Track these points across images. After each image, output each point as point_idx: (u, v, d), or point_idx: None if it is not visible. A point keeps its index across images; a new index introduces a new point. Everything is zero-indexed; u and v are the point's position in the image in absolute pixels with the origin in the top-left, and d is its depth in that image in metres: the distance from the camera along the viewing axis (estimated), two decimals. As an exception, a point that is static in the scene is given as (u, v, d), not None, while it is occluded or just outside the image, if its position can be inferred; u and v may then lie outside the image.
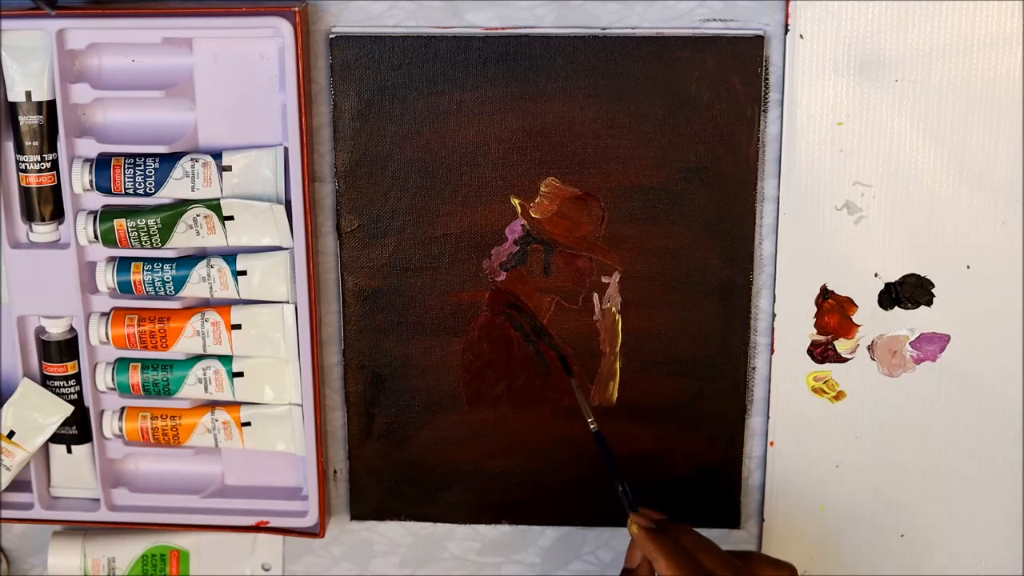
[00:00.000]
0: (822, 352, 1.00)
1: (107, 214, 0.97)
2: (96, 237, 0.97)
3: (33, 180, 0.97)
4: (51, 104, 0.95)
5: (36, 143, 0.96)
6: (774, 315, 0.99)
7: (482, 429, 1.02)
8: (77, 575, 1.06)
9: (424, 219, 0.98)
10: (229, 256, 0.98)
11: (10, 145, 0.97)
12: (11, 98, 0.95)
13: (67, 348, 1.00)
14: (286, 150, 0.96)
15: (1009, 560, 1.03)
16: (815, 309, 0.99)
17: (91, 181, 0.96)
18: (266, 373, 1.00)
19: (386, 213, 0.98)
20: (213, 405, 1.02)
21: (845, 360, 1.00)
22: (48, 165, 0.97)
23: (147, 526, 1.04)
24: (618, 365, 1.00)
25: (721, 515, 1.04)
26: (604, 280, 0.99)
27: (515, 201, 0.98)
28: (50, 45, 0.94)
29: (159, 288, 0.98)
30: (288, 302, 0.98)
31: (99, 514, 1.03)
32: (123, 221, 0.96)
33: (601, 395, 1.01)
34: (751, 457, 1.03)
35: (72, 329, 1.00)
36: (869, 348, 1.00)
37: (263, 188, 0.96)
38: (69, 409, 1.01)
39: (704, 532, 1.05)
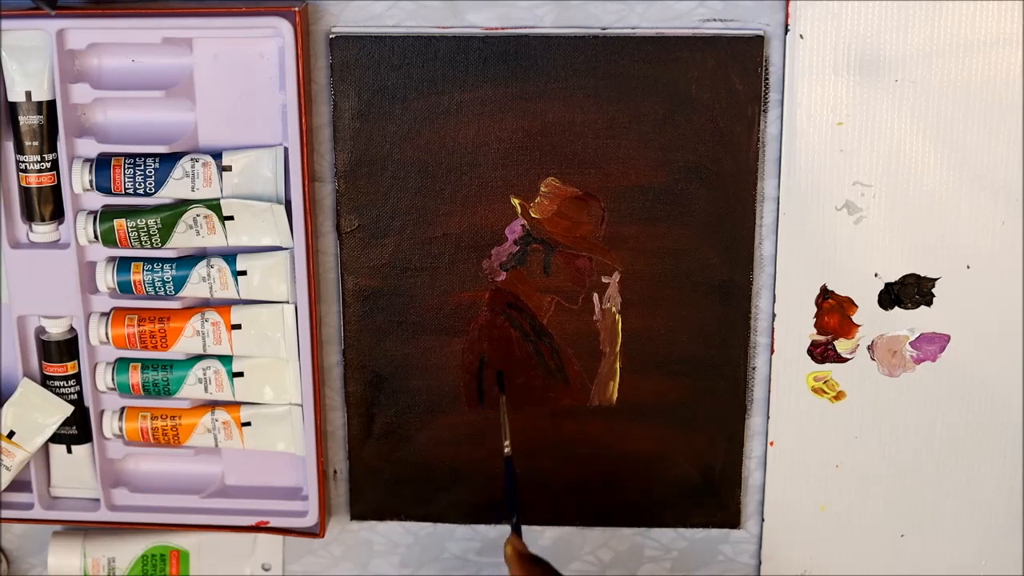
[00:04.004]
0: (822, 352, 1.00)
1: (107, 214, 0.97)
2: (96, 237, 0.97)
3: (33, 180, 0.97)
4: (51, 104, 0.95)
5: (36, 143, 0.96)
6: (774, 315, 0.99)
7: (482, 429, 1.02)
8: (77, 575, 1.06)
9: (424, 219, 0.98)
10: (229, 256, 0.98)
11: (10, 145, 0.97)
12: (11, 98, 0.95)
13: (67, 348, 1.00)
14: (286, 150, 0.96)
15: (1009, 560, 1.03)
16: (815, 309, 0.99)
17: (91, 181, 0.96)
18: (266, 373, 1.00)
19: (386, 213, 0.98)
20: (213, 405, 1.02)
21: (845, 360, 1.00)
22: (48, 165, 0.97)
23: (147, 526, 1.04)
24: (618, 365, 1.00)
25: (721, 515, 1.04)
26: (604, 280, 0.99)
27: (515, 201, 0.98)
28: (50, 45, 0.94)
29: (159, 288, 0.98)
30: (288, 302, 0.98)
31: (99, 514, 1.03)
32: (123, 221, 0.96)
33: (601, 395, 1.01)
34: (751, 457, 1.03)
35: (72, 329, 1.00)
36: (869, 348, 1.00)
37: (263, 188, 0.96)
38: (69, 409, 1.01)
39: (704, 532, 1.05)
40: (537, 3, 0.95)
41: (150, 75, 0.96)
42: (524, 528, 1.06)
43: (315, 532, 1.03)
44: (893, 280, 0.98)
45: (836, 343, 1.00)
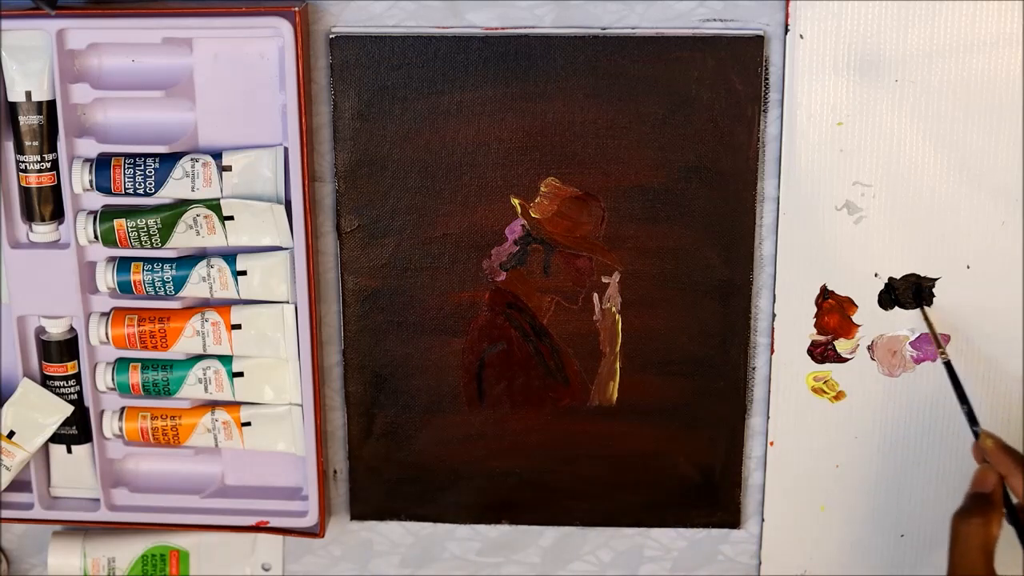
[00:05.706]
0: (822, 352, 1.00)
1: (107, 214, 0.97)
2: (96, 237, 0.97)
3: (33, 180, 0.97)
4: (51, 104, 0.95)
5: (36, 143, 0.96)
6: (774, 315, 0.99)
7: (482, 429, 1.02)
8: (77, 575, 1.06)
9: (424, 219, 0.98)
10: (229, 256, 0.98)
11: (10, 145, 0.97)
12: (11, 98, 0.95)
13: (67, 348, 1.00)
14: (286, 150, 0.96)
15: (1009, 560, 1.03)
16: (815, 309, 0.99)
17: (91, 181, 0.96)
18: (266, 373, 1.00)
19: (386, 213, 0.98)
20: (213, 405, 1.02)
21: (845, 360, 1.00)
22: (48, 165, 0.97)
23: (147, 526, 1.04)
24: (618, 365, 1.00)
25: (721, 515, 1.04)
26: (604, 280, 0.99)
27: (515, 201, 0.98)
28: (50, 45, 0.94)
29: (159, 288, 0.98)
30: (288, 302, 0.98)
31: (99, 514, 1.03)
32: (123, 221, 0.96)
33: (601, 395, 1.01)
34: (751, 457, 1.03)
35: (72, 329, 1.00)
36: (869, 348, 1.00)
37: (263, 188, 0.96)
38: (69, 409, 1.01)
39: (704, 532, 1.05)
40: (537, 3, 0.95)
41: (150, 75, 0.96)
42: (523, 528, 1.06)
43: (315, 532, 1.03)
44: (893, 280, 0.98)
45: (836, 343, 1.00)
